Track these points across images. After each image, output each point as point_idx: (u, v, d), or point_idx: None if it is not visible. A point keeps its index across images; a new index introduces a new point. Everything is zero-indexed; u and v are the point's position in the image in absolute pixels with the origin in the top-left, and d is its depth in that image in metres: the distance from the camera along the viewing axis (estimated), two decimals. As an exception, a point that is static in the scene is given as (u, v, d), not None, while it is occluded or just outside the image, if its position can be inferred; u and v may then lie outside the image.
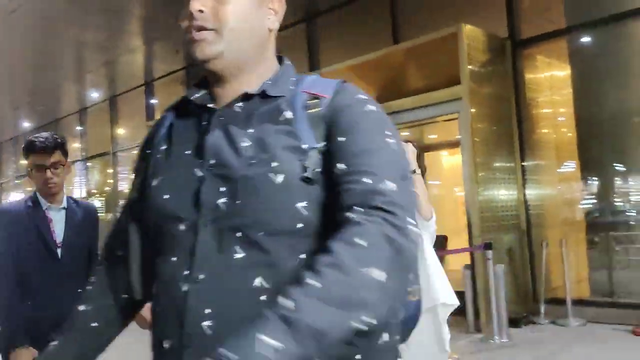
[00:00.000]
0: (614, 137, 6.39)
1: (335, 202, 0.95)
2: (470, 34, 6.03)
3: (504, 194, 6.43)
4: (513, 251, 6.40)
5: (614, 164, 6.49)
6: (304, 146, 0.99)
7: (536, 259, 6.45)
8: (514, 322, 5.86)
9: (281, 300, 0.82)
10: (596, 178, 6.65)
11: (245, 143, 1.01)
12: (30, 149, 2.55)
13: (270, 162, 0.97)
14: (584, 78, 6.68)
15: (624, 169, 6.45)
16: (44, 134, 2.61)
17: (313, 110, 1.03)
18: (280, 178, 0.96)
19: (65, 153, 2.63)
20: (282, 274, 0.94)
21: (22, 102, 13.80)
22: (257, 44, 1.09)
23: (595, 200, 6.64)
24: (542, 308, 6.17)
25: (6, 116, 15.22)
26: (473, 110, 6.01)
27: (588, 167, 6.66)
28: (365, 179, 0.93)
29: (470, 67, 5.98)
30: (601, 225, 6.56)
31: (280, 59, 1.15)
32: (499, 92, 6.50)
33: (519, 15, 6.72)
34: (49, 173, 2.53)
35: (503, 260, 5.95)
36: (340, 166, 0.96)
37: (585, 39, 6.60)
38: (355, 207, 0.90)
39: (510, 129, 6.61)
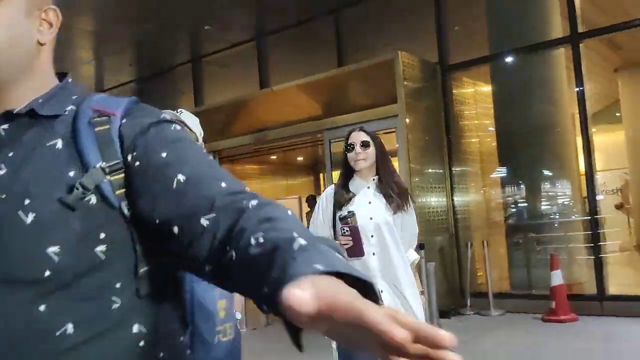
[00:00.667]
0: (530, 147, 7.32)
1: (186, 210, 0.84)
2: (405, 59, 6.83)
3: (435, 199, 7.25)
4: (443, 251, 7.22)
5: (531, 172, 7.42)
6: (89, 166, 0.86)
7: (463, 257, 7.30)
8: (444, 314, 6.65)
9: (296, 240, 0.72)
10: (515, 184, 7.58)
11: (1, 171, 0.87)
12: None
13: (24, 198, 0.83)
14: (503, 96, 7.60)
15: (540, 176, 7.40)
16: None
17: (101, 128, 0.90)
18: (30, 217, 0.82)
19: None
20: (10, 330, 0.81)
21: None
22: (22, 58, 0.94)
23: (514, 205, 7.58)
24: (468, 301, 7.02)
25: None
26: (408, 122, 6.81)
27: (508, 174, 7.59)
28: (216, 184, 0.86)
29: (405, 87, 6.78)
30: (519, 227, 7.51)
31: (63, 76, 1.02)
32: (431, 109, 7.34)
33: (448, 43, 7.63)
34: None
35: (434, 258, 6.73)
36: (179, 177, 0.85)
37: (504, 64, 7.53)
38: (222, 204, 0.83)
39: (440, 142, 7.46)
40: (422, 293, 2.91)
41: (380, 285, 2.71)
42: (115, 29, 8.82)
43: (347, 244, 2.67)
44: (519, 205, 7.55)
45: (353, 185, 2.87)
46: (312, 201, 10.86)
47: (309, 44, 9.00)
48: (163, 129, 0.92)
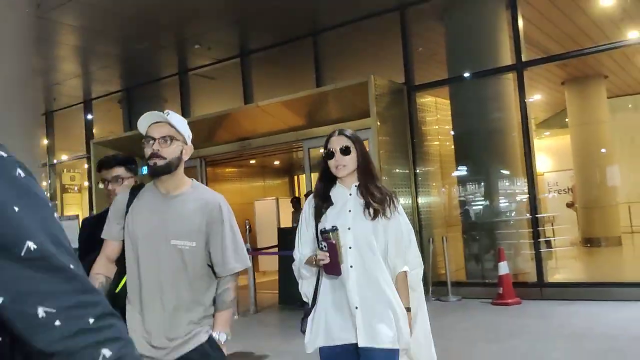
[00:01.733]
0: (483, 152, 8.48)
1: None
2: (377, 81, 7.90)
3: (402, 199, 8.34)
4: (409, 246, 8.31)
5: (484, 174, 8.59)
6: None
7: (425, 252, 8.42)
8: (409, 300, 7.73)
9: None
10: (470, 185, 8.75)
11: None
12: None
13: None
14: (460, 108, 8.76)
15: (492, 177, 8.57)
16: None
17: None
18: None
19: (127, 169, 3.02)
20: None
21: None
22: None
23: (469, 204, 8.75)
24: (430, 289, 8.14)
25: None
26: (379, 134, 7.87)
27: (464, 176, 8.75)
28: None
29: (377, 104, 7.85)
30: (473, 224, 8.68)
31: None
32: (398, 121, 8.43)
33: (412, 67, 8.76)
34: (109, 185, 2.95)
35: (401, 253, 7.81)
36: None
37: (461, 85, 8.67)
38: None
39: (406, 148, 8.55)
40: (408, 310, 2.55)
41: (355, 301, 2.46)
42: (104, 45, 9.63)
43: (323, 259, 2.45)
44: (474, 204, 8.72)
45: (334, 192, 2.62)
46: (296, 203, 11.68)
47: (289, 63, 9.99)
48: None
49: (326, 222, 2.55)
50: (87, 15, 8.40)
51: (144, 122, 2.34)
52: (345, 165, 2.58)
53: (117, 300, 2.39)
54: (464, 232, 8.78)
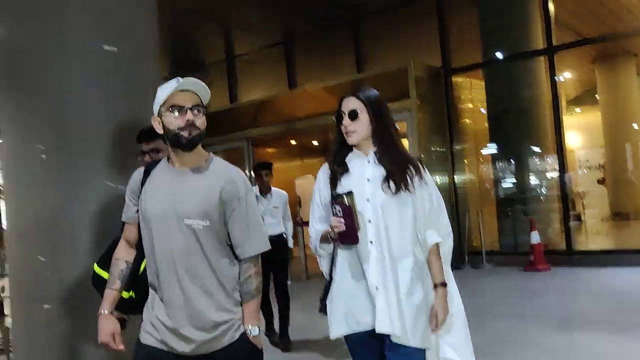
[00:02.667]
0: (516, 131, 9.05)
1: None
2: (416, 66, 8.51)
3: (439, 175, 9.00)
4: (446, 219, 8.98)
5: (518, 151, 9.18)
6: None
7: (461, 225, 9.07)
8: (446, 268, 8.41)
9: None
10: (504, 161, 9.34)
11: None
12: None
13: None
14: (493, 90, 9.33)
15: (526, 155, 9.15)
16: None
17: None
18: None
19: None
20: None
21: None
22: None
23: (503, 179, 9.36)
24: (466, 258, 8.80)
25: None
26: (419, 115, 8.50)
27: (498, 153, 9.34)
28: None
29: (416, 87, 8.46)
30: (507, 198, 9.29)
31: None
32: (436, 103, 9.03)
33: (449, 50, 9.33)
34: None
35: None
36: None
37: (494, 67, 9.22)
38: None
39: (443, 130, 9.16)
40: (443, 285, 2.27)
41: (375, 280, 2.18)
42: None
43: (338, 226, 2.14)
44: (507, 179, 9.32)
45: (350, 159, 2.31)
46: None
47: (331, 48, 10.63)
48: None
49: (340, 190, 2.21)
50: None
51: (170, 88, 2.07)
52: (354, 131, 2.23)
53: (141, 283, 2.24)
54: (497, 206, 9.39)
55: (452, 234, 2.36)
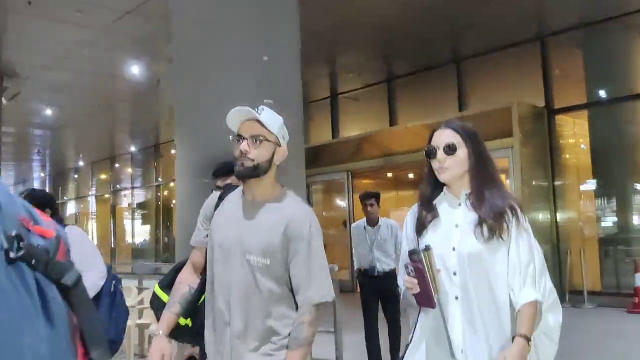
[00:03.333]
0: (619, 168, 9.06)
1: None
2: (519, 107, 8.79)
3: (541, 213, 9.12)
4: (546, 257, 9.03)
5: (622, 190, 9.16)
6: None
7: (562, 262, 9.10)
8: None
9: None
10: (607, 200, 9.33)
11: None
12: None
13: None
14: (596, 128, 9.41)
15: (630, 193, 9.11)
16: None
17: None
18: None
19: None
20: None
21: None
22: None
23: (605, 217, 9.33)
24: (567, 297, 8.81)
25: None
26: (522, 152, 8.73)
27: (601, 191, 9.35)
28: None
29: (519, 127, 8.72)
30: (609, 238, 9.24)
31: None
32: (538, 141, 9.23)
33: (552, 91, 9.53)
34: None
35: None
36: None
37: (598, 107, 9.31)
38: None
39: (545, 166, 9.31)
40: (526, 338, 1.85)
41: (460, 343, 1.92)
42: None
43: (411, 288, 1.92)
44: (610, 217, 9.30)
45: (440, 201, 2.07)
46: None
47: (432, 88, 11.08)
48: None
49: (426, 238, 2.02)
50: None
51: (233, 119, 2.06)
52: (448, 168, 1.99)
53: (199, 314, 2.17)
54: (600, 244, 9.35)
55: (559, 309, 1.95)
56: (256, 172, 2.02)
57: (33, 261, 0.74)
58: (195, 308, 2.20)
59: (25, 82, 10.32)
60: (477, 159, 2.01)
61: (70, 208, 24.09)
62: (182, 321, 2.19)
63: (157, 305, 2.30)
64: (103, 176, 21.86)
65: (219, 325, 2.04)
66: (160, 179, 18.53)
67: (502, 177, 10.49)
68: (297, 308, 2.04)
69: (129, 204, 20.64)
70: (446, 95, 10.80)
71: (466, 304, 1.92)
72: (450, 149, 1.99)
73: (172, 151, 14.24)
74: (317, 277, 2.02)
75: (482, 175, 2.00)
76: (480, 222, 1.93)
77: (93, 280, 3.11)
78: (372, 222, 5.34)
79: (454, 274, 1.94)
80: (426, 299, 1.91)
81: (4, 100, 10.03)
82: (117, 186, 20.95)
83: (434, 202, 2.06)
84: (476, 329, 1.90)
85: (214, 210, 2.17)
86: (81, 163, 22.12)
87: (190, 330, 2.21)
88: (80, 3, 7.36)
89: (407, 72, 11.35)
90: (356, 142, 11.34)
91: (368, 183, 15.17)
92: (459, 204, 2.03)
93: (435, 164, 2.03)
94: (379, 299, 5.18)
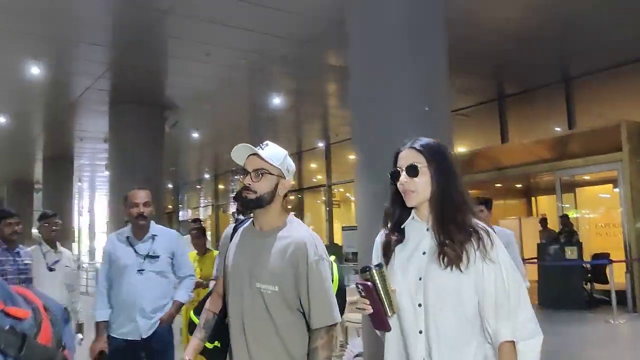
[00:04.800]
0: None
1: None
2: (628, 124, 9.47)
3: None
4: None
5: None
6: None
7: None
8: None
9: None
10: None
11: None
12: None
13: None
14: None
15: None
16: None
17: None
18: None
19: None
20: None
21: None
22: None
23: None
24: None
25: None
26: (631, 165, 9.39)
27: None
28: None
29: (628, 143, 9.39)
30: None
31: None
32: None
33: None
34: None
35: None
36: None
37: None
38: None
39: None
40: None
41: None
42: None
43: (363, 309, 1.81)
44: None
45: (410, 225, 1.92)
46: (544, 222, 13.19)
47: (542, 107, 11.87)
48: None
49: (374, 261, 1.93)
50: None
51: (239, 154, 2.17)
52: (414, 191, 1.85)
53: (227, 334, 2.24)
54: None
55: (538, 335, 1.80)
56: (259, 203, 2.13)
57: (2, 346, 0.73)
58: (222, 331, 2.25)
59: (182, 112, 12.23)
60: (439, 182, 1.84)
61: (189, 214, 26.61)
62: (210, 345, 2.30)
63: (193, 330, 2.42)
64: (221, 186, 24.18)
65: (237, 349, 2.12)
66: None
67: (610, 186, 11.16)
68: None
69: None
70: (555, 113, 11.56)
71: (435, 338, 1.75)
72: (412, 171, 1.84)
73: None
74: (324, 300, 2.06)
75: (445, 200, 1.83)
76: (441, 252, 1.78)
77: None
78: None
79: (419, 305, 1.78)
80: (379, 320, 1.78)
81: (166, 128, 11.94)
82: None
83: (403, 225, 1.91)
84: (448, 354, 1.75)
85: (229, 241, 2.29)
86: (206, 176, 24.45)
87: (221, 351, 2.27)
88: (210, 46, 8.85)
89: (517, 92, 12.19)
90: (468, 157, 12.32)
91: (476, 193, 16.02)
92: (427, 229, 1.87)
93: (400, 187, 1.87)
94: None
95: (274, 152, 2.16)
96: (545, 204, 15.88)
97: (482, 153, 12.35)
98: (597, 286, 10.49)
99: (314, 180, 19.77)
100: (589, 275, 10.47)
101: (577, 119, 11.24)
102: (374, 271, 1.77)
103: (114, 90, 11.03)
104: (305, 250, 2.08)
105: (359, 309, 1.81)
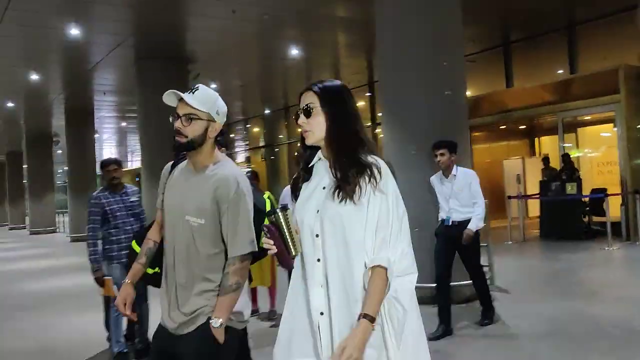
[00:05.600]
0: None
1: None
2: (626, 68, 10.16)
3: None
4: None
5: None
6: None
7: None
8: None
9: None
10: None
11: None
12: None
13: None
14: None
15: None
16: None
17: None
18: None
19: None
20: None
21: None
22: None
23: None
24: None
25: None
26: (627, 105, 10.14)
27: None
28: None
29: (625, 86, 10.11)
30: None
31: None
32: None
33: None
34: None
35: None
36: None
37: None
38: None
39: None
40: (370, 319, 1.75)
41: (319, 305, 1.85)
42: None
43: (269, 249, 1.89)
44: None
45: (317, 164, 2.01)
46: (546, 161, 13.98)
47: (545, 53, 12.50)
48: None
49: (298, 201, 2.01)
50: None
51: (168, 99, 2.28)
52: (307, 131, 1.94)
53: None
54: None
55: (413, 274, 1.86)
56: (190, 146, 2.26)
57: None
58: (161, 257, 2.43)
59: (204, 65, 12.89)
60: (333, 122, 1.90)
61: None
62: (150, 270, 2.49)
63: (132, 258, 2.54)
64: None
65: (169, 277, 2.35)
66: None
67: (610, 126, 11.91)
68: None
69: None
70: (558, 58, 12.22)
71: (330, 266, 1.85)
72: (307, 112, 1.93)
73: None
74: (240, 233, 2.23)
75: (339, 139, 1.90)
76: (336, 186, 1.87)
77: None
78: (446, 172, 5.24)
79: (317, 236, 1.88)
80: (283, 259, 1.89)
81: (190, 81, 12.63)
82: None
83: (311, 164, 2.01)
84: (337, 291, 1.83)
85: (167, 178, 2.45)
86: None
87: (161, 275, 2.45)
88: (235, 4, 9.47)
89: (522, 38, 12.79)
90: (473, 101, 13.05)
91: (481, 135, 16.77)
92: (330, 167, 1.94)
93: (299, 127, 1.98)
94: (458, 253, 5.34)
95: (202, 97, 2.25)
96: (548, 144, 16.63)
97: (488, 97, 13.08)
98: (595, 219, 11.43)
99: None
100: (587, 209, 11.37)
101: (580, 63, 11.90)
102: (278, 214, 1.86)
103: (139, 47, 11.68)
104: (228, 189, 2.23)
105: (266, 249, 1.90)
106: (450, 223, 5.25)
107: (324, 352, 1.79)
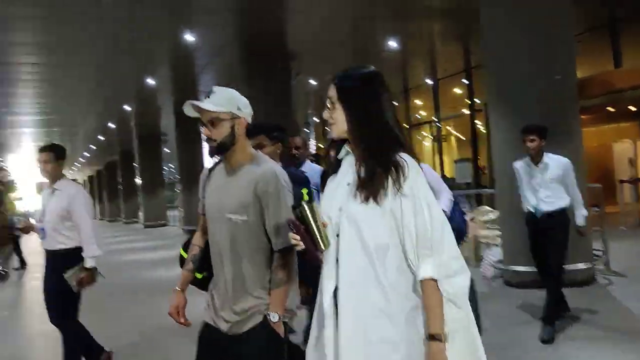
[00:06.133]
0: None
1: None
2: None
3: None
4: None
5: None
6: None
7: None
8: None
9: None
10: None
11: None
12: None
13: None
14: None
15: None
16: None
17: None
18: None
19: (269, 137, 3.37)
20: None
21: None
22: None
23: None
24: None
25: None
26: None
27: None
28: None
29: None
30: None
31: None
32: None
33: None
34: None
35: None
36: None
37: None
38: None
39: None
40: (436, 339, 1.68)
41: (330, 311, 1.80)
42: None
43: (296, 244, 1.79)
44: None
45: (346, 158, 1.90)
46: None
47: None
48: None
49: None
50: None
51: (188, 111, 2.32)
52: (333, 124, 1.86)
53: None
54: None
55: (464, 273, 1.78)
56: (223, 148, 2.29)
57: None
58: (208, 262, 2.45)
59: (302, 63, 13.32)
60: (356, 116, 1.80)
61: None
62: (199, 275, 2.55)
63: (182, 265, 2.61)
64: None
65: (218, 278, 2.38)
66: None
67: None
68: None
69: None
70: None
71: (346, 268, 1.77)
72: (329, 105, 1.85)
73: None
74: (283, 226, 2.16)
75: (363, 135, 1.79)
76: (358, 186, 1.77)
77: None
78: (536, 159, 4.89)
79: (337, 235, 1.79)
80: (310, 254, 1.77)
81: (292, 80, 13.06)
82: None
83: (340, 157, 1.91)
84: (352, 296, 1.75)
85: (206, 181, 2.49)
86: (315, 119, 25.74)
87: (209, 279, 2.50)
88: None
89: (629, 17, 12.22)
90: (580, 83, 12.61)
91: (588, 118, 16.05)
92: (356, 162, 1.84)
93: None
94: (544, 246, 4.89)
95: (218, 98, 2.26)
96: (660, 125, 15.72)
97: (595, 78, 12.57)
98: None
99: (417, 116, 20.52)
100: None
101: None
102: (304, 207, 1.74)
103: (242, 49, 12.31)
104: (268, 182, 2.25)
105: (294, 245, 1.80)
106: (539, 216, 4.83)
107: (327, 346, 1.77)
